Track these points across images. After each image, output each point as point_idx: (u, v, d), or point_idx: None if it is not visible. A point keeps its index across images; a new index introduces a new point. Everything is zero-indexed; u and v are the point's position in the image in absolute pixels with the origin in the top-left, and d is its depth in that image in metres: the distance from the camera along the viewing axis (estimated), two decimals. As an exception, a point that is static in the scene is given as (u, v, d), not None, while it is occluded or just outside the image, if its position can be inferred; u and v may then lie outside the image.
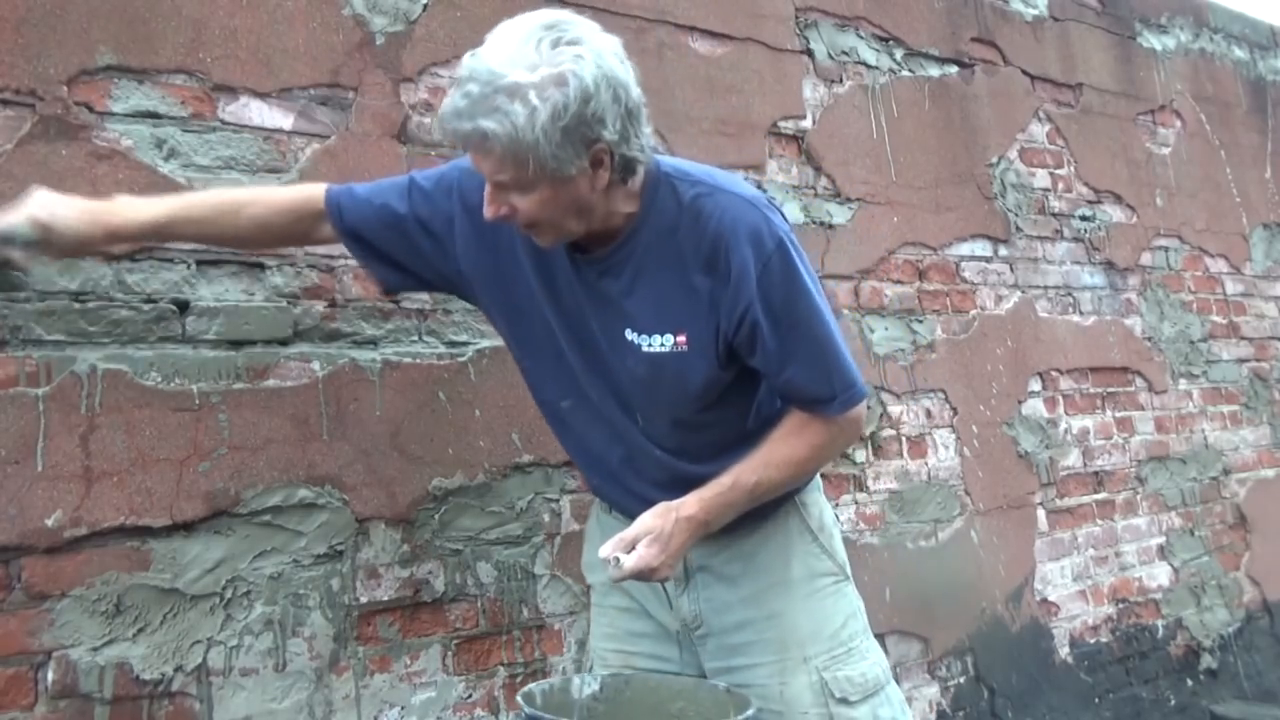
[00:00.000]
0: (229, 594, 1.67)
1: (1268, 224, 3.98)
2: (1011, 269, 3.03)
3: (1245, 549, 3.52)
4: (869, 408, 2.58)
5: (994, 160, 3.05)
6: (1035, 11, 3.31)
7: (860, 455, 2.56)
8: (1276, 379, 3.83)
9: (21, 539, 1.52)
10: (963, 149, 2.97)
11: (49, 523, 1.54)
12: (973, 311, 2.90)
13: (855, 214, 2.67)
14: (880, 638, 1.75)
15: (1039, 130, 3.22)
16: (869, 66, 2.80)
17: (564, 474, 2.06)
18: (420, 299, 1.94)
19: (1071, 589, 2.96)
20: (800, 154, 2.60)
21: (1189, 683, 3.20)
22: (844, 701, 1.49)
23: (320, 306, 1.83)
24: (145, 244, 1.62)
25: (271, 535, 1.73)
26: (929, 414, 2.72)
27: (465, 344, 1.98)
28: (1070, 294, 3.18)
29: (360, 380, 1.85)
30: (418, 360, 1.91)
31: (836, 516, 1.73)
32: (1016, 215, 3.08)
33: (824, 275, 2.56)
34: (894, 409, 2.65)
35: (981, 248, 2.97)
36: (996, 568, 2.77)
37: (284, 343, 1.79)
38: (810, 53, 2.68)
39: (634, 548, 1.36)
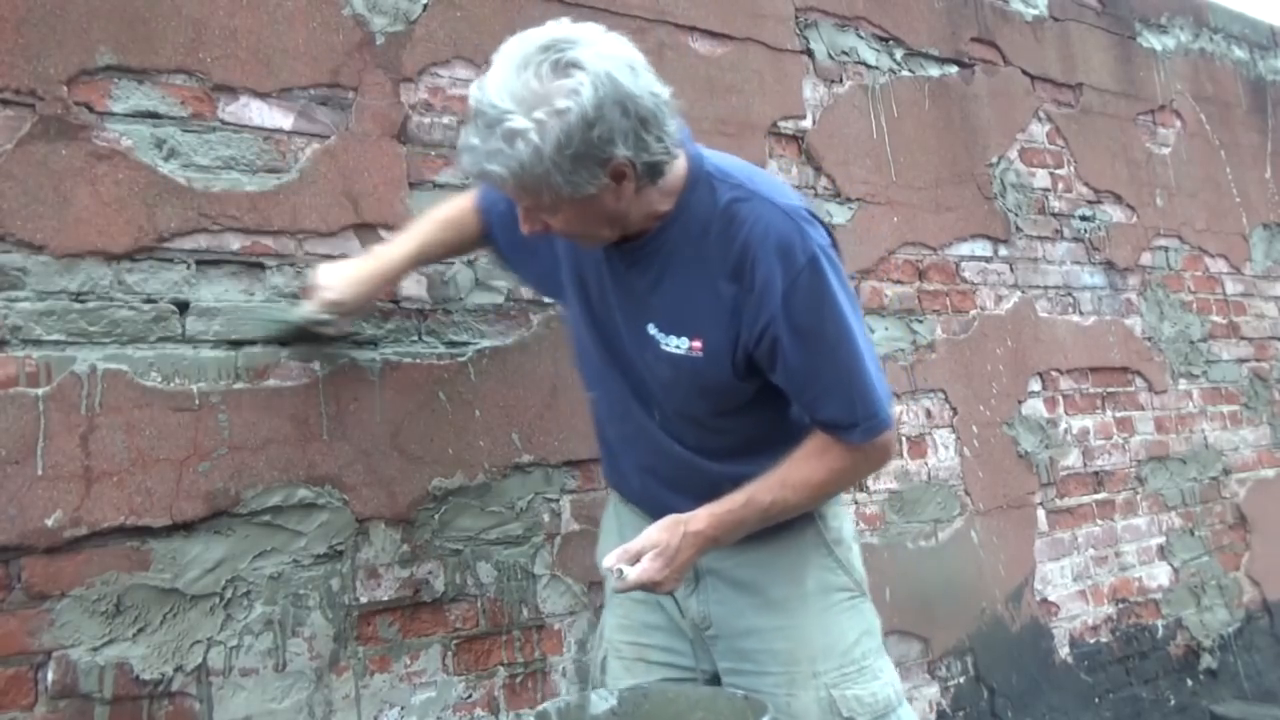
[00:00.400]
0: (229, 594, 1.67)
1: (1268, 224, 3.98)
2: (1011, 269, 3.03)
3: (1245, 549, 3.52)
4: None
5: (994, 160, 3.05)
6: (1035, 11, 3.31)
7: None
8: (1276, 379, 3.83)
9: (21, 539, 1.52)
10: (963, 149, 2.97)
11: (49, 523, 1.54)
12: (973, 311, 2.90)
13: (855, 214, 2.67)
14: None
15: (1039, 130, 3.22)
16: (869, 66, 2.80)
17: (564, 474, 2.06)
18: (420, 299, 1.94)
19: (1071, 589, 2.96)
20: (800, 154, 2.60)
21: (1189, 683, 3.20)
22: None
23: (320, 306, 1.83)
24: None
25: (271, 535, 1.73)
26: (929, 414, 2.72)
27: (465, 344, 1.98)
28: (1070, 294, 3.18)
29: (360, 380, 1.84)
30: (418, 360, 1.91)
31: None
32: (1016, 215, 3.08)
33: (824, 275, 2.55)
34: (894, 409, 2.65)
35: (981, 248, 2.97)
36: (996, 568, 2.77)
37: (284, 343, 1.78)
38: (810, 53, 2.68)
39: (639, 560, 1.34)
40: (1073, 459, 3.05)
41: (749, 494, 1.40)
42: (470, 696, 1.89)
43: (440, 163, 2.01)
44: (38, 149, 1.61)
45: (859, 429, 1.38)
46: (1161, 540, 3.25)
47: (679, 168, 1.35)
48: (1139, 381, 3.32)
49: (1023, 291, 3.04)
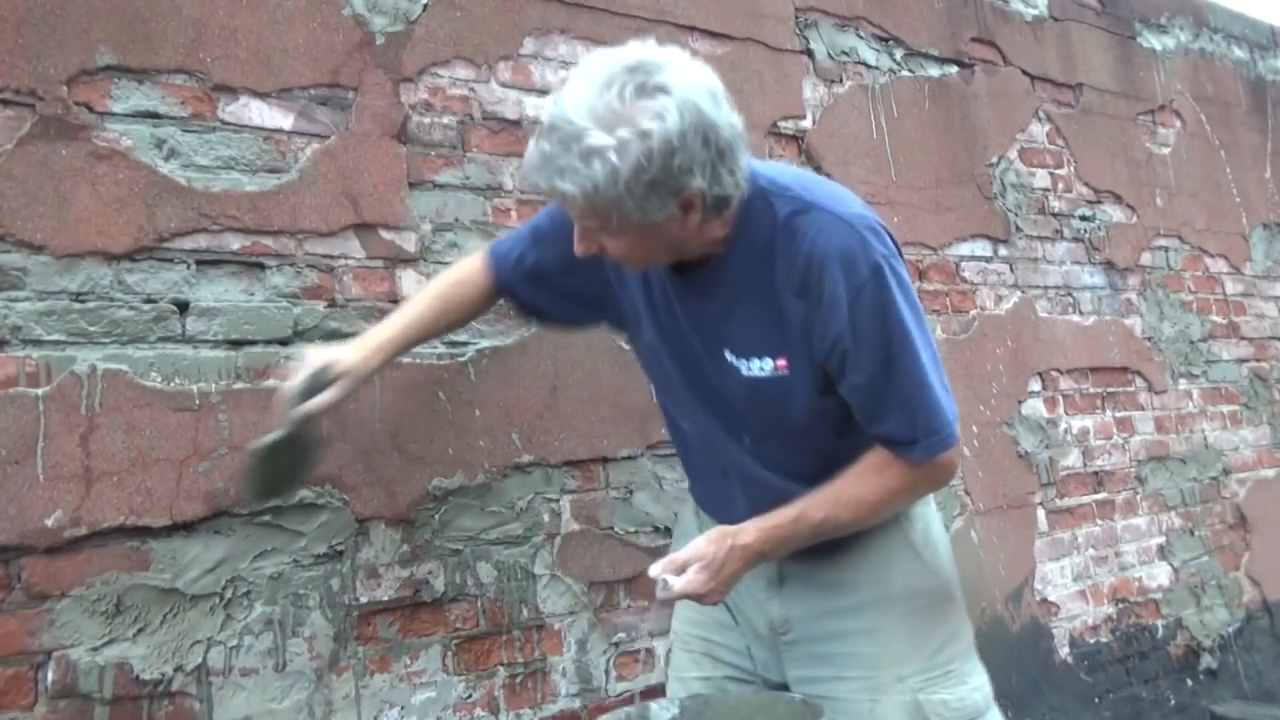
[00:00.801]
0: (229, 594, 1.67)
1: (1268, 224, 3.98)
2: (1011, 269, 3.03)
3: (1245, 549, 3.52)
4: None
5: (994, 160, 3.05)
6: (1035, 11, 3.31)
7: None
8: (1276, 379, 3.83)
9: (21, 539, 1.52)
10: (963, 149, 2.97)
11: (49, 523, 1.54)
12: (973, 311, 2.90)
13: (855, 214, 2.67)
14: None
15: (1039, 130, 3.22)
16: (869, 66, 2.80)
17: (564, 474, 2.06)
18: (420, 299, 1.94)
19: (1071, 589, 2.96)
20: (800, 154, 2.60)
21: (1189, 683, 3.19)
22: None
23: (320, 306, 1.83)
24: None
25: (271, 535, 1.73)
26: (929, 414, 2.72)
27: (465, 344, 1.98)
28: (1070, 294, 3.18)
29: (360, 380, 1.84)
30: (418, 360, 1.91)
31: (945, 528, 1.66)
32: (1016, 215, 3.08)
33: (824, 275, 2.56)
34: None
35: (981, 248, 2.97)
36: (996, 568, 2.77)
37: (284, 343, 1.79)
38: (810, 53, 2.68)
39: (685, 570, 1.32)
40: (1073, 459, 3.05)
41: (801, 509, 1.36)
42: (470, 696, 1.89)
43: (440, 163, 2.01)
44: (38, 149, 1.61)
45: (919, 445, 1.34)
46: (1161, 540, 3.25)
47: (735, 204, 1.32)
48: (1139, 381, 3.32)
49: (1023, 291, 3.04)
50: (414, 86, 2.00)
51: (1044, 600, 2.87)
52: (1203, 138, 3.80)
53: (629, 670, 2.09)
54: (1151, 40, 3.72)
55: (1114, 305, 3.31)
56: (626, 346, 2.05)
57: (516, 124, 2.12)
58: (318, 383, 1.49)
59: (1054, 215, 3.20)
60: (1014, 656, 2.74)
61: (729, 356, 1.38)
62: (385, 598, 1.82)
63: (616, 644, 2.06)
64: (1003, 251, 3.02)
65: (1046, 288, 3.11)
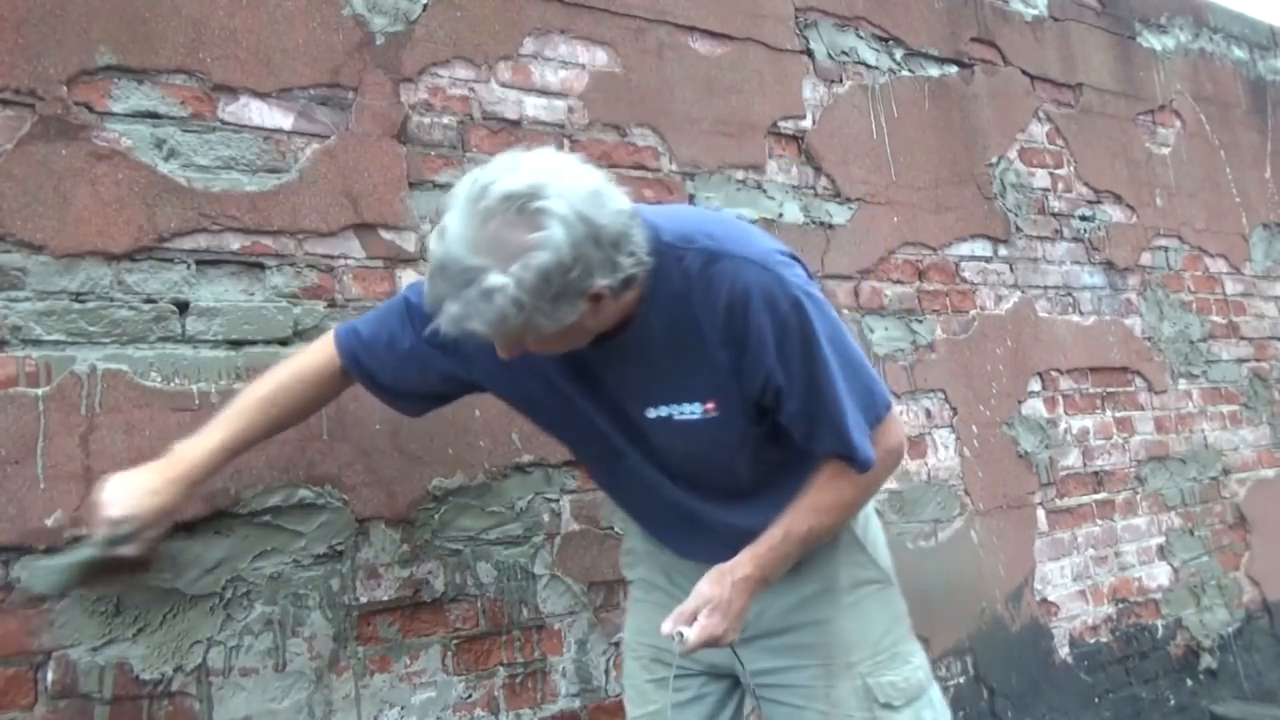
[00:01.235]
0: (229, 594, 1.67)
1: (1267, 224, 3.98)
2: (1011, 269, 3.03)
3: (1245, 549, 3.52)
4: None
5: (994, 160, 3.05)
6: (1035, 11, 3.31)
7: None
8: (1276, 379, 3.83)
9: (21, 539, 1.52)
10: (963, 149, 2.97)
11: (49, 523, 1.54)
12: (972, 311, 2.90)
13: (855, 214, 2.67)
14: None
15: (1039, 130, 3.22)
16: (869, 66, 2.80)
17: (564, 474, 2.06)
18: (420, 299, 1.94)
19: (1071, 589, 2.95)
20: (800, 154, 2.60)
21: (1189, 683, 3.19)
22: (888, 706, 1.51)
23: (320, 306, 1.83)
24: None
25: (271, 535, 1.73)
26: (929, 414, 2.72)
27: (465, 344, 1.97)
28: (1070, 294, 3.18)
29: (360, 380, 1.84)
30: (418, 360, 1.91)
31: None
32: (1016, 215, 3.08)
33: (824, 275, 2.56)
34: (891, 408, 2.65)
35: (981, 248, 2.97)
36: (996, 568, 2.77)
37: (284, 343, 1.79)
38: (810, 53, 2.68)
39: (694, 618, 1.36)
40: (1072, 459, 3.05)
41: (785, 527, 1.41)
42: (470, 696, 1.89)
43: (440, 163, 2.01)
44: (38, 149, 1.61)
45: (853, 459, 1.41)
46: (1161, 540, 3.25)
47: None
48: (1139, 381, 3.32)
49: (1023, 291, 3.04)
50: (414, 86, 2.00)
51: (1044, 600, 2.87)
52: (1203, 138, 3.80)
53: (629, 670, 2.09)
54: (1151, 40, 3.72)
55: (1114, 305, 3.31)
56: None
57: (516, 124, 2.12)
58: (117, 540, 1.43)
59: (1054, 215, 3.20)
60: (1014, 656, 2.74)
61: (660, 409, 1.41)
62: (385, 598, 1.82)
63: (616, 644, 2.06)
64: (1003, 251, 3.02)
65: (1046, 288, 3.11)
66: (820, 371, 1.36)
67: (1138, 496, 3.22)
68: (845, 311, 2.59)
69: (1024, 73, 3.21)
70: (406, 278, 1.92)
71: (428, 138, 2.00)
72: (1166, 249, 3.54)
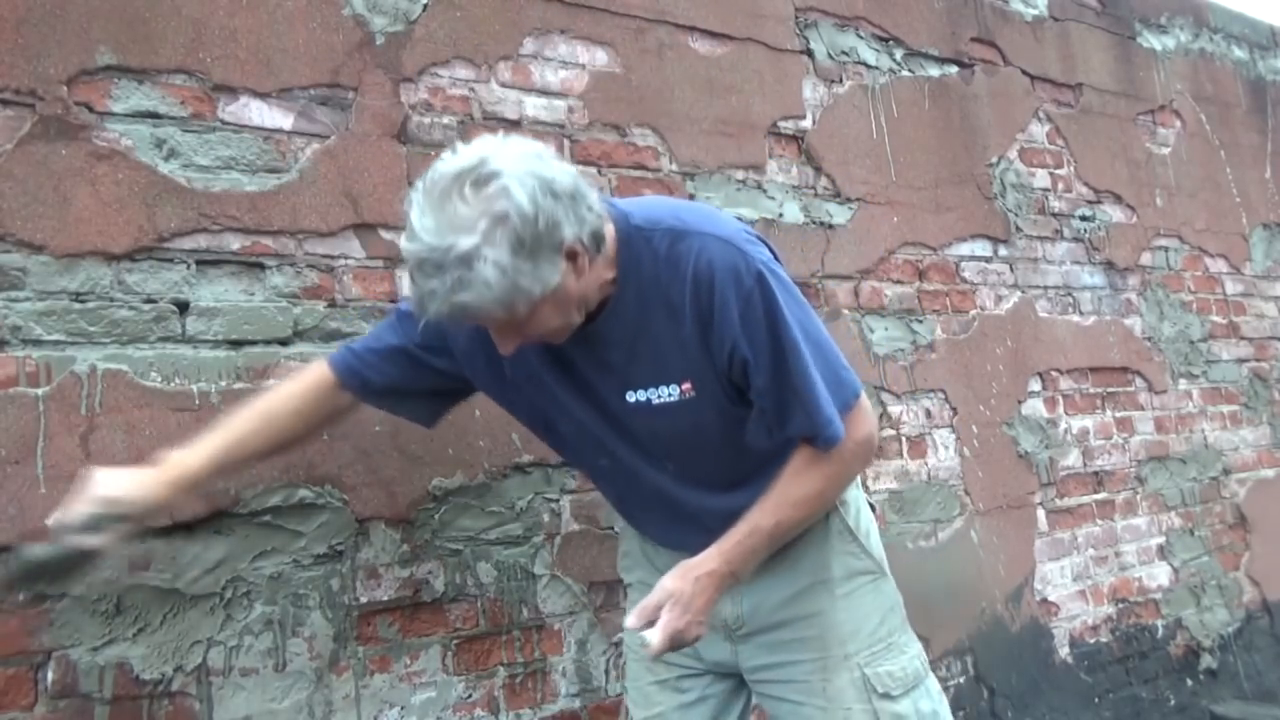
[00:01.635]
0: (229, 594, 1.68)
1: (1268, 224, 3.98)
2: (1011, 269, 3.03)
3: (1245, 549, 3.52)
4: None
5: (994, 160, 3.05)
6: (1035, 11, 3.31)
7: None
8: (1276, 379, 3.83)
9: (21, 539, 1.52)
10: (963, 149, 2.97)
11: (49, 523, 1.54)
12: (973, 311, 2.90)
13: (855, 214, 2.67)
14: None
15: (1039, 130, 3.22)
16: (869, 66, 2.80)
17: (564, 474, 2.06)
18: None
19: (1071, 589, 2.95)
20: (800, 154, 2.60)
21: (1189, 683, 3.20)
22: (886, 696, 1.52)
23: (320, 306, 1.83)
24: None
25: (271, 535, 1.73)
26: (929, 414, 2.72)
27: (465, 344, 1.97)
28: (1070, 294, 3.18)
29: (360, 380, 1.84)
30: (418, 360, 1.91)
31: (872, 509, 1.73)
32: (1016, 215, 3.08)
33: (824, 275, 2.56)
34: (894, 409, 2.65)
35: (981, 248, 2.97)
36: (996, 568, 2.77)
37: (284, 343, 1.79)
38: (810, 53, 2.68)
39: (657, 614, 1.35)
40: (1073, 459, 3.05)
41: (752, 522, 1.42)
42: (470, 696, 1.89)
43: (440, 163, 2.01)
44: (38, 149, 1.61)
45: (820, 437, 1.40)
46: (1161, 540, 3.25)
47: (611, 233, 1.37)
48: (1139, 381, 3.33)
49: (1023, 291, 3.04)
50: (414, 86, 2.00)
51: (1044, 600, 2.87)
52: (1203, 138, 3.80)
53: (629, 670, 2.09)
54: (1151, 40, 3.72)
55: (1114, 305, 3.31)
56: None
57: (516, 124, 2.12)
58: (99, 521, 1.36)
59: (1054, 215, 3.20)
60: (1014, 656, 2.74)
61: (639, 394, 1.42)
62: (385, 598, 1.82)
63: (616, 644, 2.06)
64: (1003, 251, 3.02)
65: (1046, 288, 3.11)
66: (786, 345, 1.36)
67: (1138, 496, 3.22)
68: (845, 312, 2.59)
69: (1024, 73, 3.21)
70: (406, 278, 1.92)
71: (428, 138, 2.00)
72: (1166, 249, 3.54)
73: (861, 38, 2.81)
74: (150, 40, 1.73)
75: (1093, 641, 2.97)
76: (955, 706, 2.60)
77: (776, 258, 1.43)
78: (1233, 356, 3.68)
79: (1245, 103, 4.03)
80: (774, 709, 1.60)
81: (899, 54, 2.89)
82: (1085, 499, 3.06)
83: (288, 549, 1.74)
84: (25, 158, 1.60)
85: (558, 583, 2.03)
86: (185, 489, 1.46)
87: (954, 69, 3.01)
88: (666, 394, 1.41)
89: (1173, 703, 3.12)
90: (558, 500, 2.05)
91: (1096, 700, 2.91)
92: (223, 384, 1.71)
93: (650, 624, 1.35)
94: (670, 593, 1.37)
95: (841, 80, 2.73)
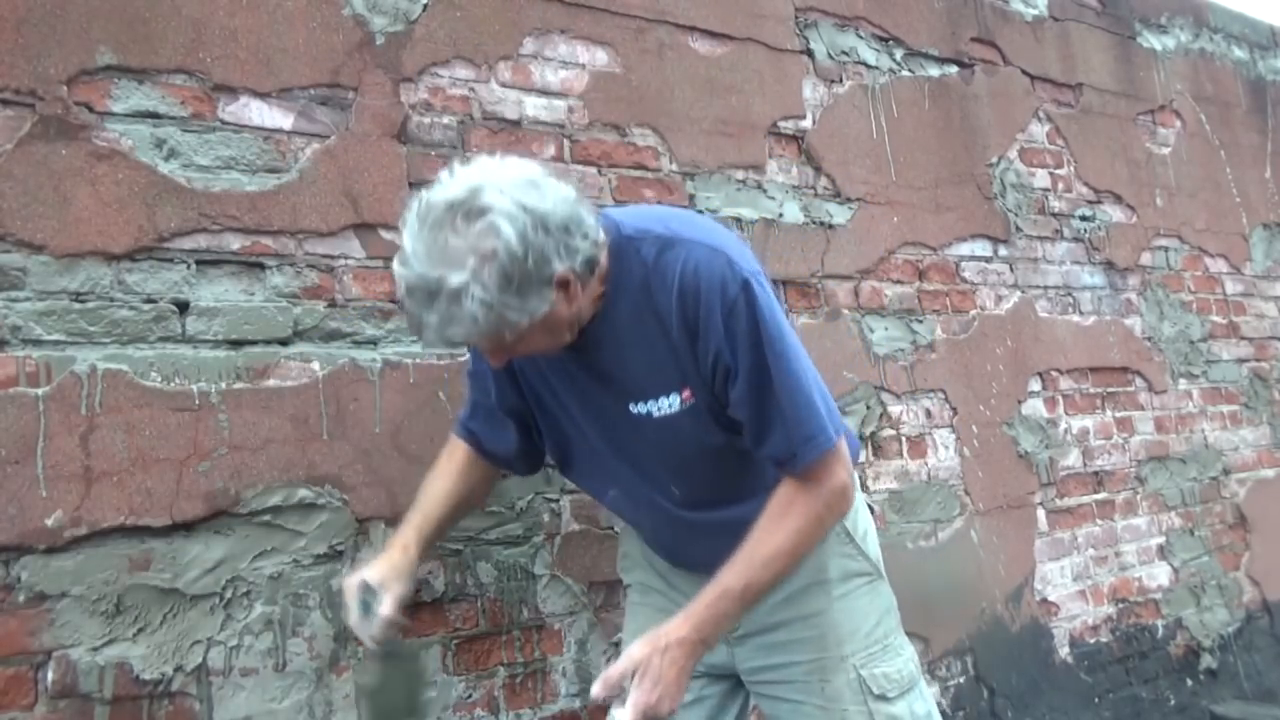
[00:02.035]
0: (229, 594, 1.67)
1: (1268, 224, 3.98)
2: (1011, 269, 3.03)
3: (1245, 549, 3.52)
4: (868, 407, 2.58)
5: (994, 160, 3.05)
6: (1035, 11, 3.31)
7: (860, 455, 2.56)
8: (1276, 379, 3.83)
9: (21, 539, 1.52)
10: (963, 149, 2.97)
11: (49, 523, 1.54)
12: (973, 311, 2.90)
13: (855, 214, 2.67)
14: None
15: (1039, 130, 3.22)
16: (869, 66, 2.80)
17: (564, 474, 2.06)
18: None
19: (1071, 589, 2.96)
20: (800, 154, 2.60)
21: (1189, 683, 3.20)
22: (882, 698, 1.53)
23: (320, 306, 1.83)
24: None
25: (271, 535, 1.73)
26: (929, 414, 2.72)
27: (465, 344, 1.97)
28: (1070, 294, 3.18)
29: (360, 380, 1.85)
30: (418, 360, 1.91)
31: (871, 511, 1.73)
32: (1016, 215, 3.08)
33: (824, 275, 2.56)
34: (894, 409, 2.65)
35: (981, 248, 2.97)
36: (996, 568, 2.77)
37: (284, 343, 1.79)
38: (810, 53, 2.68)
39: (622, 683, 1.32)
40: (1073, 459, 3.05)
41: (722, 586, 1.37)
42: (470, 696, 1.89)
43: (440, 163, 2.00)
44: (38, 149, 1.61)
45: (798, 457, 1.37)
46: (1161, 540, 3.25)
47: (604, 244, 1.38)
48: (1139, 381, 3.32)
49: (1023, 291, 3.04)
50: (414, 86, 2.00)
51: (1044, 600, 2.87)
52: (1203, 138, 3.80)
53: (629, 670, 2.09)
54: (1151, 40, 3.72)
55: (1114, 305, 3.31)
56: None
57: (516, 124, 2.12)
58: (370, 599, 1.49)
59: (1054, 215, 3.20)
60: (1014, 656, 2.74)
61: (638, 407, 1.42)
62: (385, 598, 1.82)
63: (616, 644, 2.06)
64: (1003, 251, 3.02)
65: (1046, 288, 3.11)
66: (771, 352, 1.35)
67: (1138, 496, 3.22)
68: (845, 311, 2.59)
69: (1024, 73, 3.21)
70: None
71: (428, 138, 2.00)
72: (1166, 249, 3.54)
73: (861, 38, 2.81)
74: (150, 40, 1.73)
75: (1093, 641, 2.97)
76: (955, 706, 2.61)
77: (763, 271, 1.43)
78: (1233, 356, 3.68)
79: (1245, 103, 4.03)
80: (772, 709, 1.60)
81: (899, 54, 2.89)
82: (1085, 499, 3.06)
83: (288, 549, 1.74)
84: (25, 158, 1.60)
85: (558, 583, 2.03)
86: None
87: (954, 69, 3.01)
88: (668, 405, 1.41)
89: (1173, 703, 3.12)
90: (558, 500, 2.05)
91: (1096, 700, 2.91)
92: (223, 384, 1.71)
93: (618, 694, 1.31)
94: (637, 662, 1.32)
95: (841, 80, 2.73)
